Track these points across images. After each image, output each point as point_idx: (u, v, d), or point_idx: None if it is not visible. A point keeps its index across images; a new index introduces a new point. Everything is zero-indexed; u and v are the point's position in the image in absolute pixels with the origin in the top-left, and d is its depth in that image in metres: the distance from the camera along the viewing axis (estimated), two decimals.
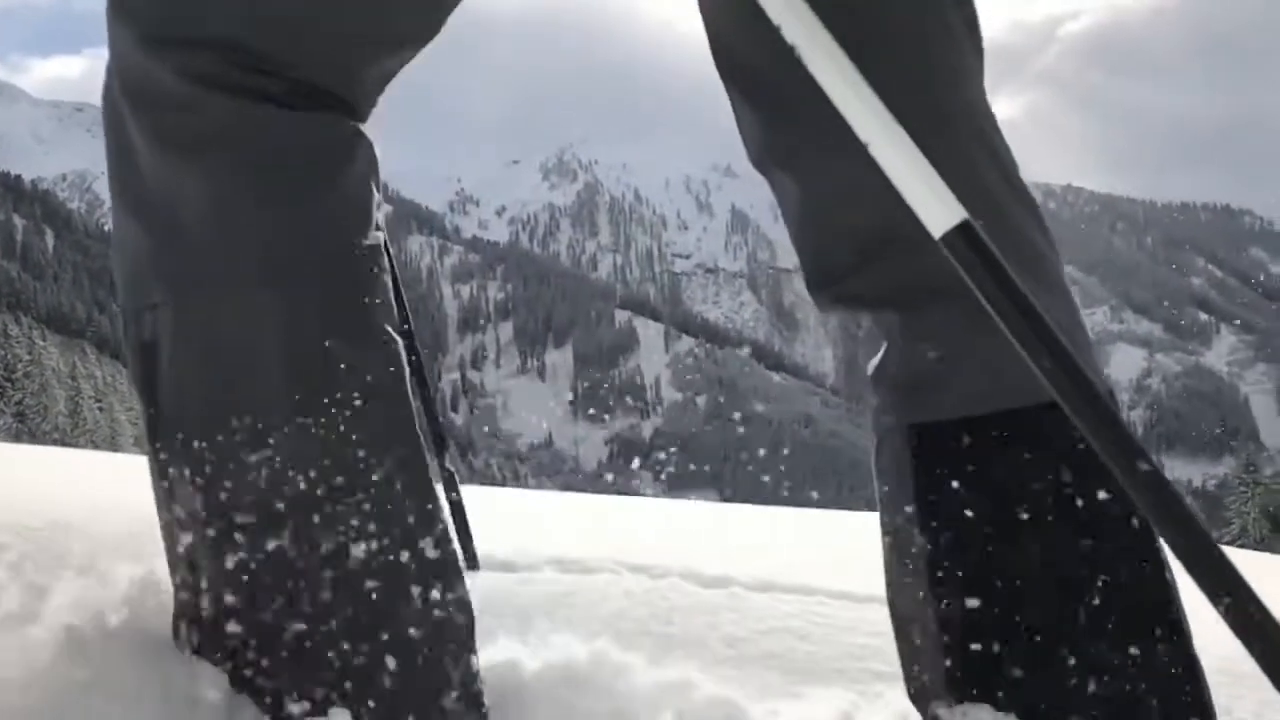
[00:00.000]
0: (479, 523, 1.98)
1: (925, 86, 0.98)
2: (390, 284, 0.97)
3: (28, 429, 73.96)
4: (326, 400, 0.89)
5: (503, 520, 3.02)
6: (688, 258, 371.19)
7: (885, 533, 1.04)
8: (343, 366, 0.90)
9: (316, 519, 0.89)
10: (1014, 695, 0.96)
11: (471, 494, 2.01)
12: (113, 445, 75.68)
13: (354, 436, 0.90)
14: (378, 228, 0.97)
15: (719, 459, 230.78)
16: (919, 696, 1.05)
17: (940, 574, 0.98)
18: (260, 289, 0.90)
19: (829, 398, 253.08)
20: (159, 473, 0.94)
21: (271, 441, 0.89)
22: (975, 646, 0.97)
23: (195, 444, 0.91)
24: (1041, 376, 0.78)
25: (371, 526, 0.89)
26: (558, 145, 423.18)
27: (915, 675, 1.05)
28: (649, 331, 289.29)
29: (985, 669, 0.97)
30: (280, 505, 0.89)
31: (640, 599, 2.09)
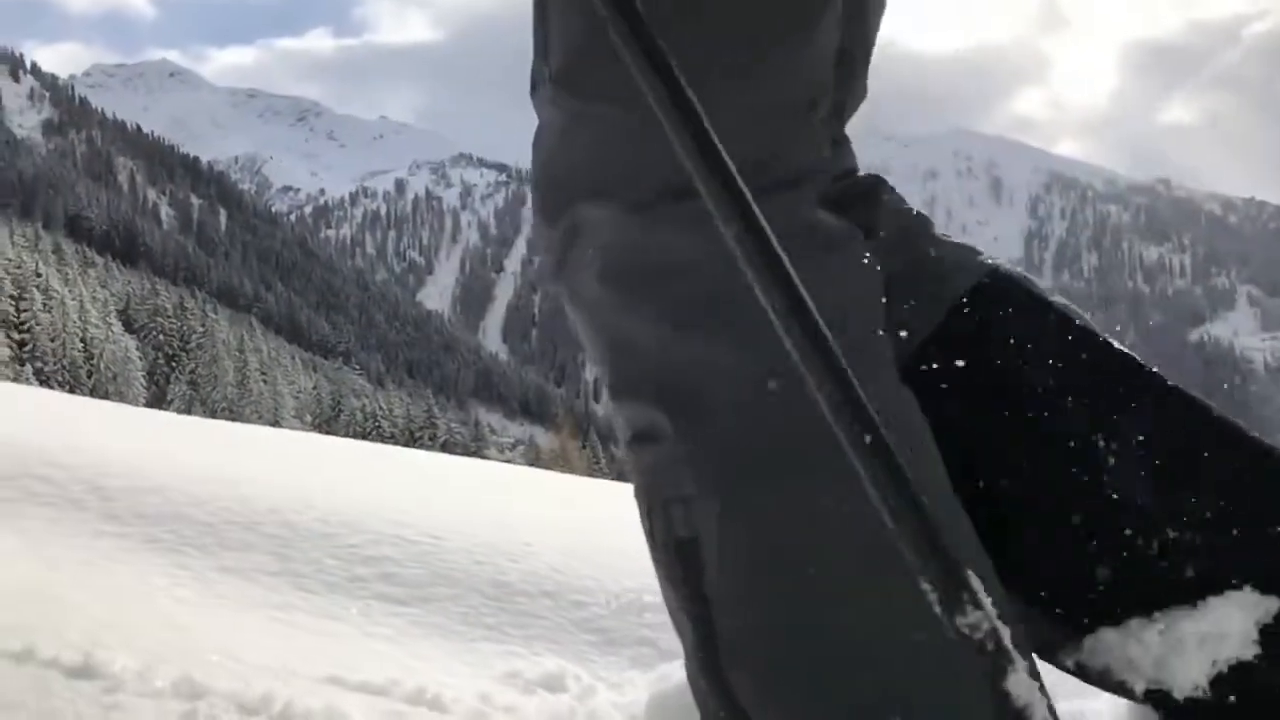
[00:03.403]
0: None
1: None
2: None
3: (200, 397, 78.29)
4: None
5: None
6: None
7: None
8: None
9: None
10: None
11: None
12: (275, 416, 79.44)
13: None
14: None
15: None
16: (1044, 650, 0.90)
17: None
18: (831, 478, 0.76)
19: None
20: (719, 694, 0.82)
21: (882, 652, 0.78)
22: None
23: (775, 659, 0.79)
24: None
25: None
26: None
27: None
28: None
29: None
30: None
31: None
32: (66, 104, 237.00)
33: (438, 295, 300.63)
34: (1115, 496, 0.85)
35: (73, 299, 68.19)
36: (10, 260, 64.41)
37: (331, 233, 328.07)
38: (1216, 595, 0.82)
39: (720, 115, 0.78)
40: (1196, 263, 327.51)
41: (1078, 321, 0.90)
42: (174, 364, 79.54)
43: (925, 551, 0.65)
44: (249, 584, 2.21)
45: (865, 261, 0.85)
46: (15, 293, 62.79)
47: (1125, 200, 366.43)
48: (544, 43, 0.86)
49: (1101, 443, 0.85)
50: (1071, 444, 0.86)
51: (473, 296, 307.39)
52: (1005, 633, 0.64)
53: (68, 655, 1.47)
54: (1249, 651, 0.81)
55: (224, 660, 1.62)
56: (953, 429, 0.85)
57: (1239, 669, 0.81)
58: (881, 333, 0.84)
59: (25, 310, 62.69)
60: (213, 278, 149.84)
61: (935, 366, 0.89)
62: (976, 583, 0.65)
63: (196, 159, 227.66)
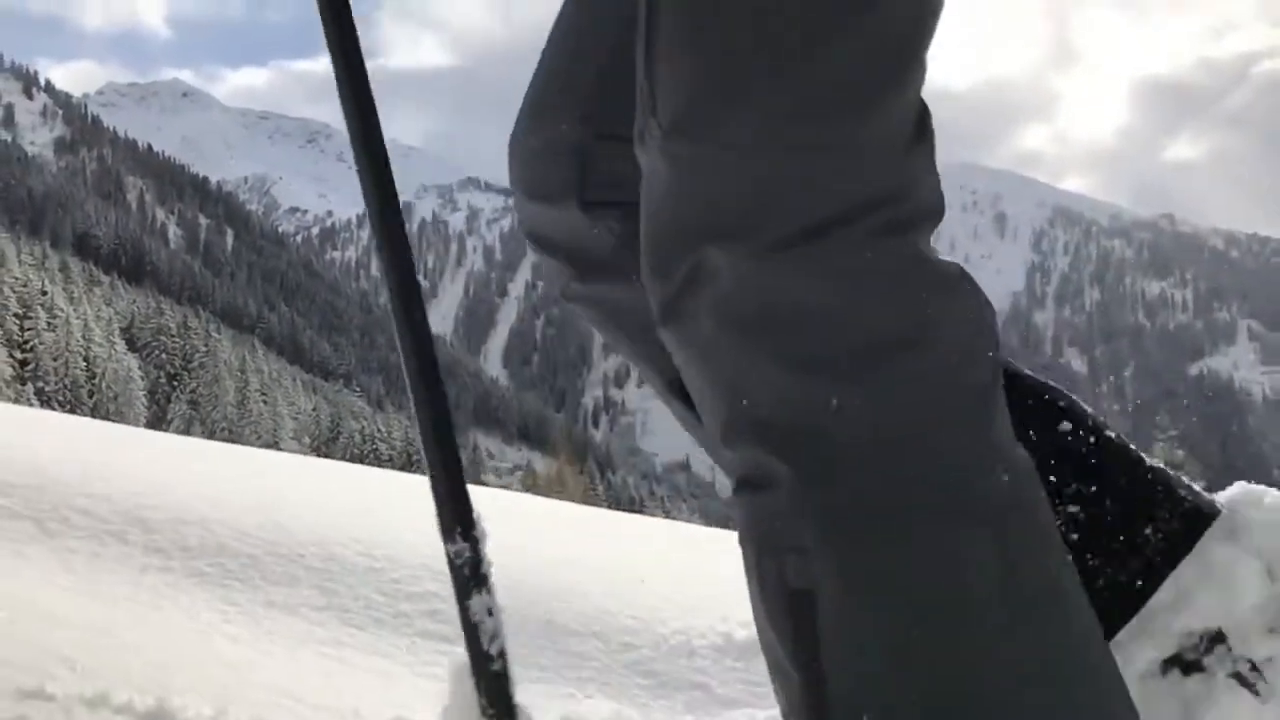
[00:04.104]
0: None
1: None
2: None
3: (199, 417, 78.21)
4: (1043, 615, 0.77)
5: None
6: None
7: None
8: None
9: None
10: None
11: None
12: (274, 437, 79.32)
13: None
14: None
15: None
16: None
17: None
18: (958, 528, 0.76)
19: None
20: None
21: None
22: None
23: (899, 713, 0.75)
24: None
25: None
26: None
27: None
28: None
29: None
30: None
31: None
32: (79, 122, 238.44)
33: (440, 319, 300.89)
34: None
35: (77, 318, 68.27)
36: (17, 279, 64.54)
37: (337, 254, 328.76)
38: None
39: (844, 152, 0.76)
40: (1198, 297, 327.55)
41: None
42: (175, 383, 79.49)
43: (443, 495, 0.83)
44: (296, 619, 2.20)
45: (982, 305, 0.83)
46: (20, 311, 62.89)
47: (1129, 235, 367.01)
48: (650, 95, 0.84)
49: None
50: None
51: (475, 320, 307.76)
52: (488, 565, 0.84)
53: (140, 701, 1.47)
54: None
55: (287, 702, 1.62)
56: None
57: None
58: (995, 379, 0.82)
59: (29, 329, 62.77)
60: (217, 298, 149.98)
61: None
62: (479, 522, 0.83)
63: (206, 179, 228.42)
